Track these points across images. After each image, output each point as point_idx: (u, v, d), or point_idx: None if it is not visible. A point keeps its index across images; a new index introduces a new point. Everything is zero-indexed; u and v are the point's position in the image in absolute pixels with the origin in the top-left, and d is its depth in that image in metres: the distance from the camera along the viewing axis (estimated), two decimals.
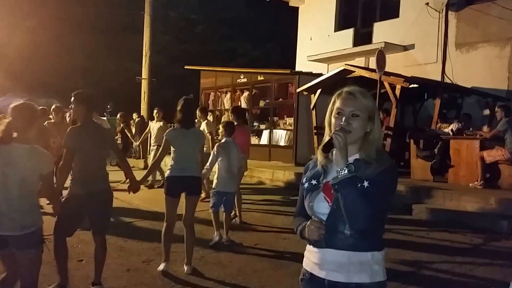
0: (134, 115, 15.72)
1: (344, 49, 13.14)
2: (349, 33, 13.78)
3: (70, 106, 4.01)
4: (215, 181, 5.62)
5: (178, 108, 4.55)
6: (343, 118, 1.78)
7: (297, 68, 14.18)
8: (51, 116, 7.69)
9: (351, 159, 1.75)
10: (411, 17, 12.09)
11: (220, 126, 6.05)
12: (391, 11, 12.68)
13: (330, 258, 1.77)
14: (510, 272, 4.46)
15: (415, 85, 9.98)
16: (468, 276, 4.52)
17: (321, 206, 1.79)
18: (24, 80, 20.57)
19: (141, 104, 17.85)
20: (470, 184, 7.58)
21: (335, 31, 14.33)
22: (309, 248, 1.86)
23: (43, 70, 21.79)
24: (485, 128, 9.32)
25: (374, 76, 8.98)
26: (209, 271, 4.50)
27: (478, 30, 10.88)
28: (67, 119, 8.14)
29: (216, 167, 5.57)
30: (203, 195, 6.97)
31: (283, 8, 17.39)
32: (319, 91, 10.51)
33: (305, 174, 1.94)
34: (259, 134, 13.53)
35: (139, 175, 4.48)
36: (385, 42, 11.76)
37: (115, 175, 7.72)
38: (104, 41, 23.87)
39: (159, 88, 20.35)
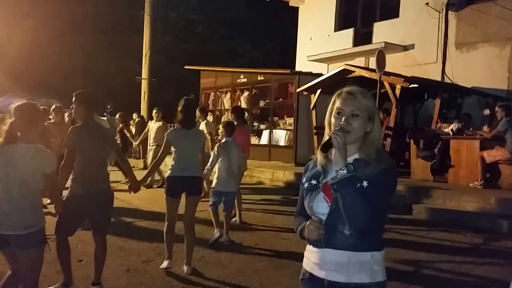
0: (134, 115, 15.72)
1: (344, 49, 13.15)
2: (349, 33, 13.78)
3: (71, 106, 4.01)
4: (214, 181, 5.63)
5: (179, 108, 4.56)
6: (343, 118, 1.78)
7: (297, 68, 14.18)
8: (51, 117, 7.69)
9: (350, 159, 1.75)
10: (411, 17, 12.09)
11: (220, 126, 6.06)
12: (391, 11, 12.69)
13: (329, 258, 1.77)
14: (510, 272, 4.46)
15: (415, 85, 9.98)
16: (468, 276, 4.52)
17: (321, 206, 1.79)
18: (24, 80, 20.55)
19: (141, 104, 17.86)
20: (470, 184, 7.58)
21: (335, 31, 14.33)
22: (309, 248, 1.86)
23: (43, 70, 21.79)
24: (485, 128, 9.33)
25: (374, 76, 8.98)
26: (209, 271, 4.50)
27: (478, 30, 10.88)
28: (66, 119, 8.15)
29: (216, 167, 5.58)
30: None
31: (283, 8, 17.41)
32: (319, 91, 10.52)
33: (305, 174, 1.94)
34: (259, 134, 13.53)
35: (138, 175, 4.48)
36: (385, 42, 11.76)
37: (115, 175, 7.72)
38: (104, 41, 23.87)
39: (159, 88, 20.36)
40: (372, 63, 10.46)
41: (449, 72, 11.35)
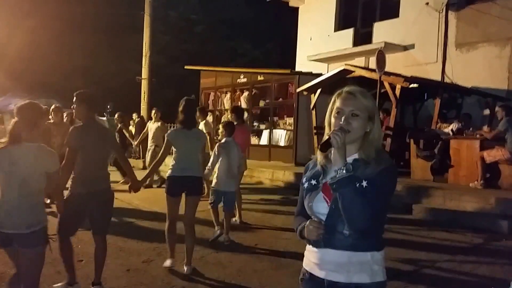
0: (134, 115, 15.70)
1: (344, 49, 13.15)
2: (349, 33, 13.79)
3: (72, 106, 4.02)
4: (214, 180, 5.64)
5: (180, 108, 4.57)
6: (343, 118, 1.78)
7: (297, 68, 14.19)
8: (50, 117, 7.69)
9: (350, 159, 1.75)
10: (411, 17, 12.09)
11: (220, 126, 6.07)
12: (391, 11, 12.69)
13: (329, 258, 1.77)
14: (511, 272, 4.46)
15: (415, 85, 9.98)
16: (468, 276, 4.52)
17: (320, 206, 1.79)
18: (24, 80, 20.55)
19: (141, 104, 17.83)
20: (470, 184, 7.58)
21: (335, 31, 14.34)
22: (309, 248, 1.86)
23: (43, 70, 21.77)
24: (485, 128, 9.32)
25: (374, 76, 8.98)
26: (209, 271, 4.51)
27: (478, 30, 10.88)
28: (65, 119, 8.16)
29: (216, 167, 5.59)
30: None
31: (283, 8, 17.39)
32: (319, 91, 10.52)
33: (305, 174, 1.94)
34: (259, 134, 13.53)
35: (138, 175, 4.48)
36: (385, 42, 11.76)
37: (114, 175, 7.72)
38: (104, 41, 23.84)
39: (159, 88, 20.34)
40: (372, 63, 10.46)
41: (449, 72, 11.35)
